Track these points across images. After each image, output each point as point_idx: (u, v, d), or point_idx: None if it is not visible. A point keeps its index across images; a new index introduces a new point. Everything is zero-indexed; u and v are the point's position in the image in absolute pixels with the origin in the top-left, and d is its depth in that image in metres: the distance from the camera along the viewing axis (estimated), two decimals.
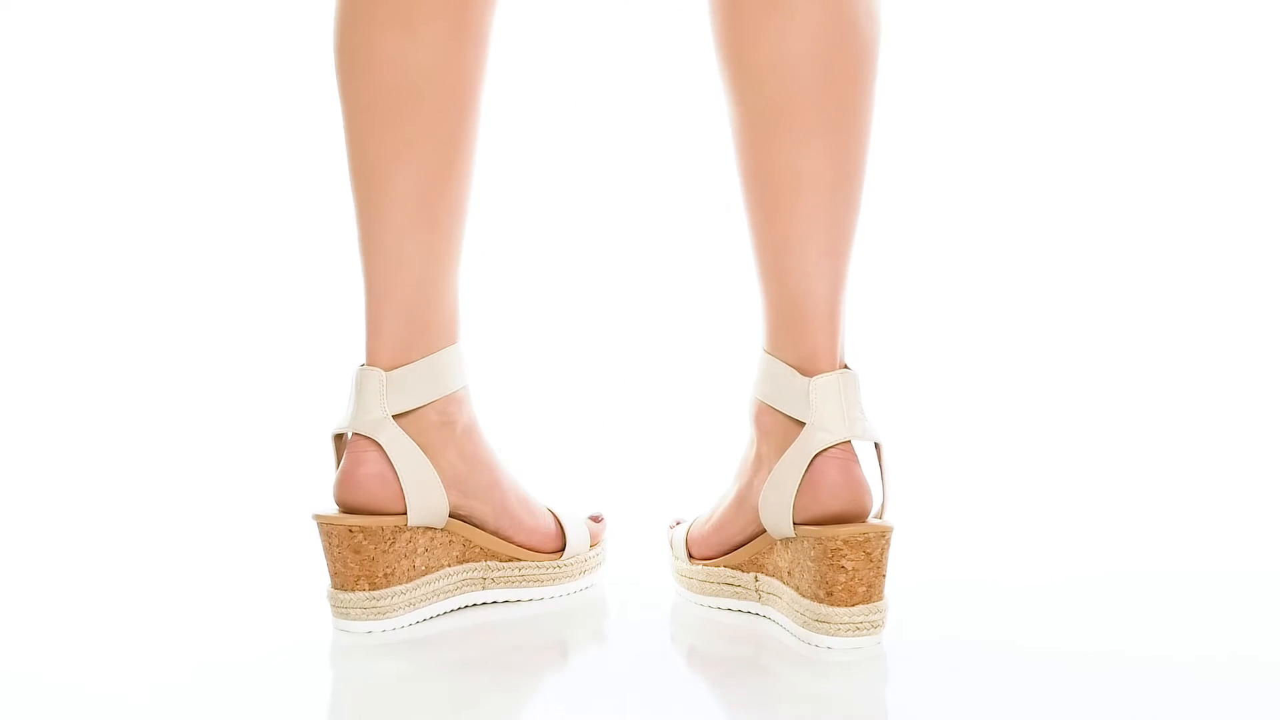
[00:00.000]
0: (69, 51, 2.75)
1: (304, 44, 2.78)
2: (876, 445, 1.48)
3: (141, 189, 2.76)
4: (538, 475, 1.74)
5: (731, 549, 1.55)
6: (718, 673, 1.41)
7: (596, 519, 1.67)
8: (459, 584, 1.56)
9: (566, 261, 2.65)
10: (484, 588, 1.57)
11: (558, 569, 1.61)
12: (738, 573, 1.53)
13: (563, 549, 1.62)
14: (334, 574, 1.50)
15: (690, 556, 1.59)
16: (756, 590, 1.52)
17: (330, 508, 1.52)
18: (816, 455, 1.45)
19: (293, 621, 1.55)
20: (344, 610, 1.50)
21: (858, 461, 1.46)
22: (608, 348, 2.56)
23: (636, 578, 1.66)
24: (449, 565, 1.55)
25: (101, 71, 2.76)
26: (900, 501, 1.57)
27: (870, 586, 1.43)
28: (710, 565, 1.56)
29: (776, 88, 1.44)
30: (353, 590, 1.50)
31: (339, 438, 1.54)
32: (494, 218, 2.66)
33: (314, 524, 1.54)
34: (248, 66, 2.77)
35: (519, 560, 1.57)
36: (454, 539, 1.55)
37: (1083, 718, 1.27)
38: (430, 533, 1.53)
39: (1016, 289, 2.71)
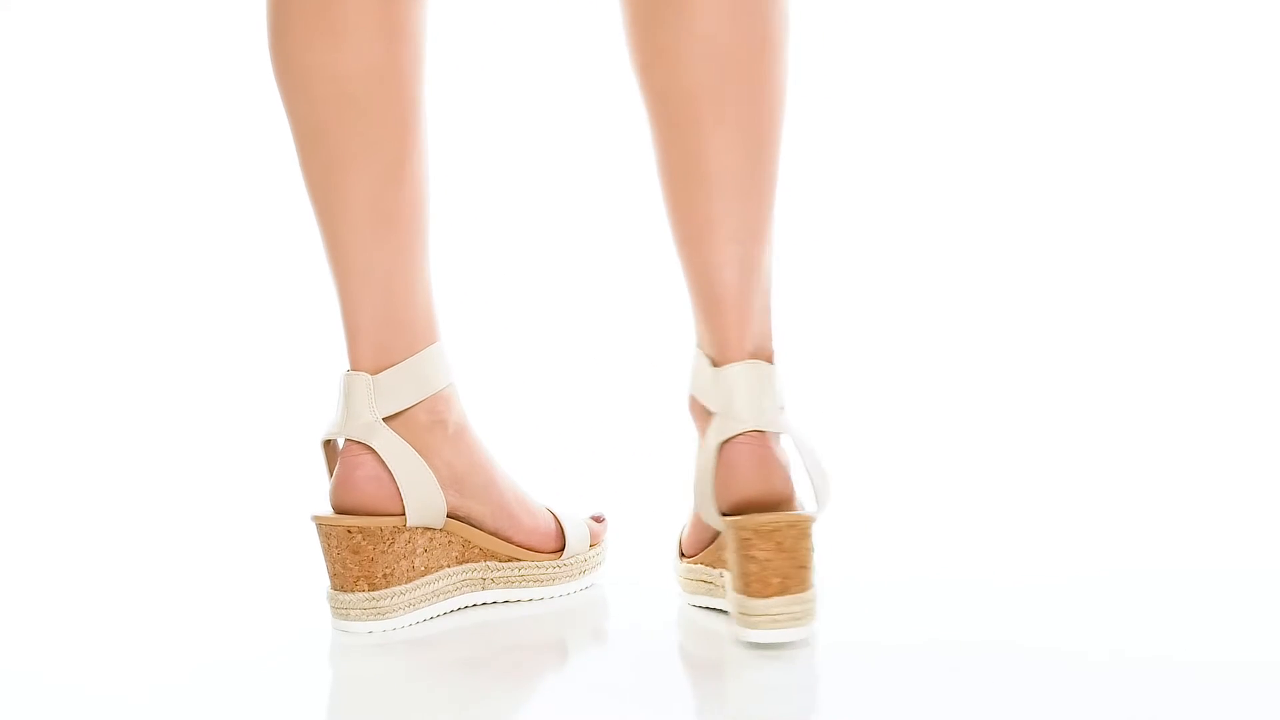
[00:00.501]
0: (69, 51, 2.75)
1: None
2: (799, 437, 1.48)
3: (141, 189, 2.76)
4: (540, 475, 1.74)
5: (706, 545, 1.55)
6: (716, 673, 1.41)
7: (598, 519, 1.67)
8: (459, 584, 1.56)
9: (568, 260, 2.65)
10: (483, 588, 1.57)
11: (557, 569, 1.60)
12: (710, 569, 1.53)
13: (562, 549, 1.61)
14: (333, 575, 1.50)
15: (682, 555, 1.59)
16: (721, 585, 1.52)
17: (328, 508, 1.52)
18: (724, 443, 1.45)
19: (293, 621, 1.55)
20: (344, 611, 1.50)
21: (771, 449, 1.46)
22: (610, 347, 2.56)
23: (637, 578, 1.66)
24: (448, 566, 1.55)
25: (102, 72, 2.76)
26: (838, 495, 1.54)
27: (786, 578, 1.40)
28: (692, 563, 1.56)
29: (679, 75, 1.44)
30: (352, 591, 1.50)
31: (328, 444, 1.54)
32: (496, 218, 2.66)
33: (312, 526, 1.54)
34: (248, 66, 2.77)
35: (518, 560, 1.57)
36: (453, 539, 1.55)
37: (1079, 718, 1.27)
38: (429, 533, 1.53)
39: (1015, 287, 2.71)
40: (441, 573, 1.54)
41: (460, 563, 1.56)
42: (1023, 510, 1.95)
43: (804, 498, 1.48)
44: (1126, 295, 2.69)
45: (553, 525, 1.62)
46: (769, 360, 1.48)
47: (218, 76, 2.75)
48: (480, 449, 1.58)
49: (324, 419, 1.56)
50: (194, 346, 2.63)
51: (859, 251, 2.77)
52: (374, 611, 1.50)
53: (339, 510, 1.51)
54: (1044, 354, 2.59)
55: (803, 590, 1.41)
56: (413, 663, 1.44)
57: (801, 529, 1.41)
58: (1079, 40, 2.79)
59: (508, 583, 1.58)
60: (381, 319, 1.52)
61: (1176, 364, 2.55)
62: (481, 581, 1.57)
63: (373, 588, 1.50)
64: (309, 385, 2.47)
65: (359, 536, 1.50)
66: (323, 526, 1.50)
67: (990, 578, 1.67)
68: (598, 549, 1.65)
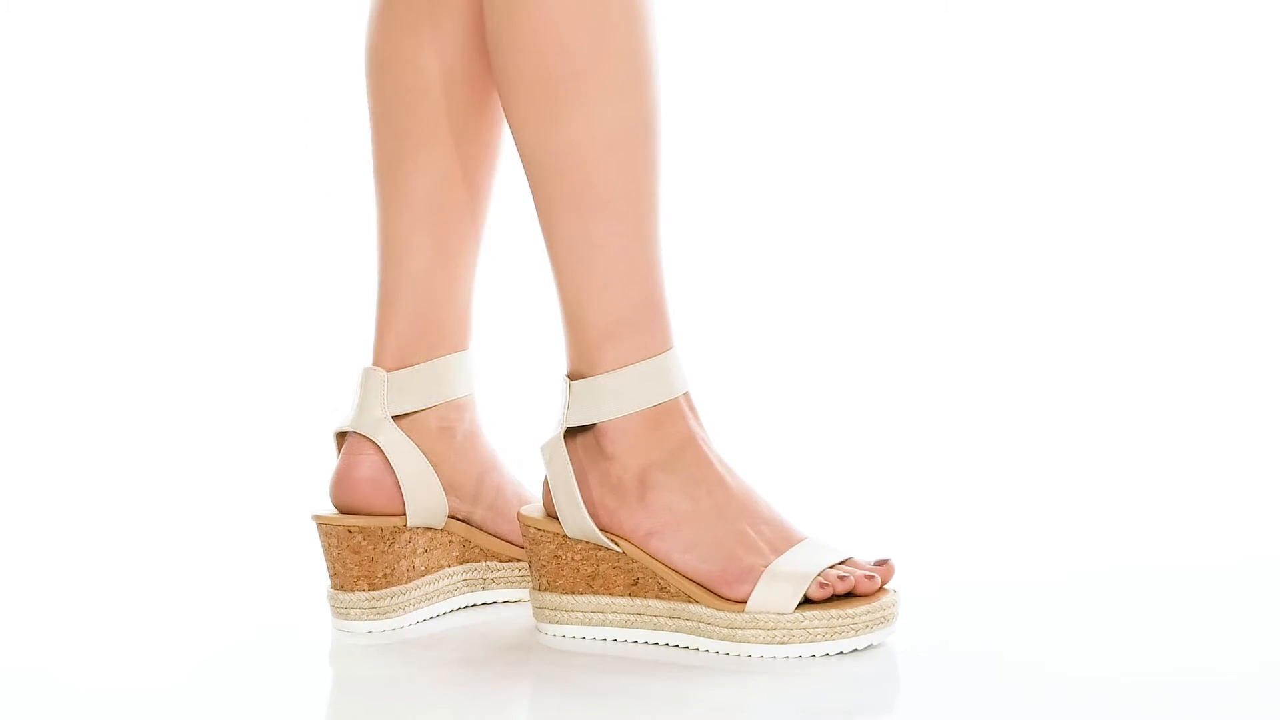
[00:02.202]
0: (69, 51, 2.75)
1: (304, 44, 2.78)
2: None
3: (141, 189, 2.76)
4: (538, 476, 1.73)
5: None
6: (713, 674, 1.40)
7: None
8: (459, 584, 1.55)
9: None
10: (484, 588, 1.57)
11: None
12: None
13: None
14: (333, 575, 1.51)
15: None
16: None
17: (328, 508, 1.52)
18: None
19: (293, 621, 1.55)
20: (344, 611, 1.50)
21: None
22: None
23: None
24: (449, 565, 1.54)
25: (102, 72, 2.76)
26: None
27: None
28: None
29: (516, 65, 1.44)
30: (352, 591, 1.50)
31: (340, 436, 1.54)
32: (499, 219, 2.66)
33: (313, 525, 1.54)
34: (248, 67, 2.77)
35: (519, 561, 1.57)
36: (454, 539, 1.55)
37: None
38: (430, 533, 1.53)
39: (1015, 288, 2.71)
40: (442, 573, 1.54)
41: (461, 563, 1.55)
42: (1022, 510, 1.95)
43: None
44: (1126, 295, 2.69)
45: None
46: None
47: (218, 76, 2.75)
48: (488, 456, 1.57)
49: (337, 414, 1.56)
50: (193, 346, 2.63)
51: (859, 252, 2.77)
52: (374, 611, 1.50)
53: (337, 507, 1.51)
54: (1044, 354, 2.59)
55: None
56: (413, 663, 1.44)
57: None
58: (1078, 40, 2.78)
59: (509, 583, 1.57)
60: (413, 316, 1.52)
61: (1177, 364, 2.55)
62: (482, 581, 1.57)
63: (373, 587, 1.50)
64: (309, 385, 2.47)
65: (359, 536, 1.50)
66: (323, 526, 1.51)
67: (982, 581, 1.67)
68: None
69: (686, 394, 1.46)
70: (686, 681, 1.38)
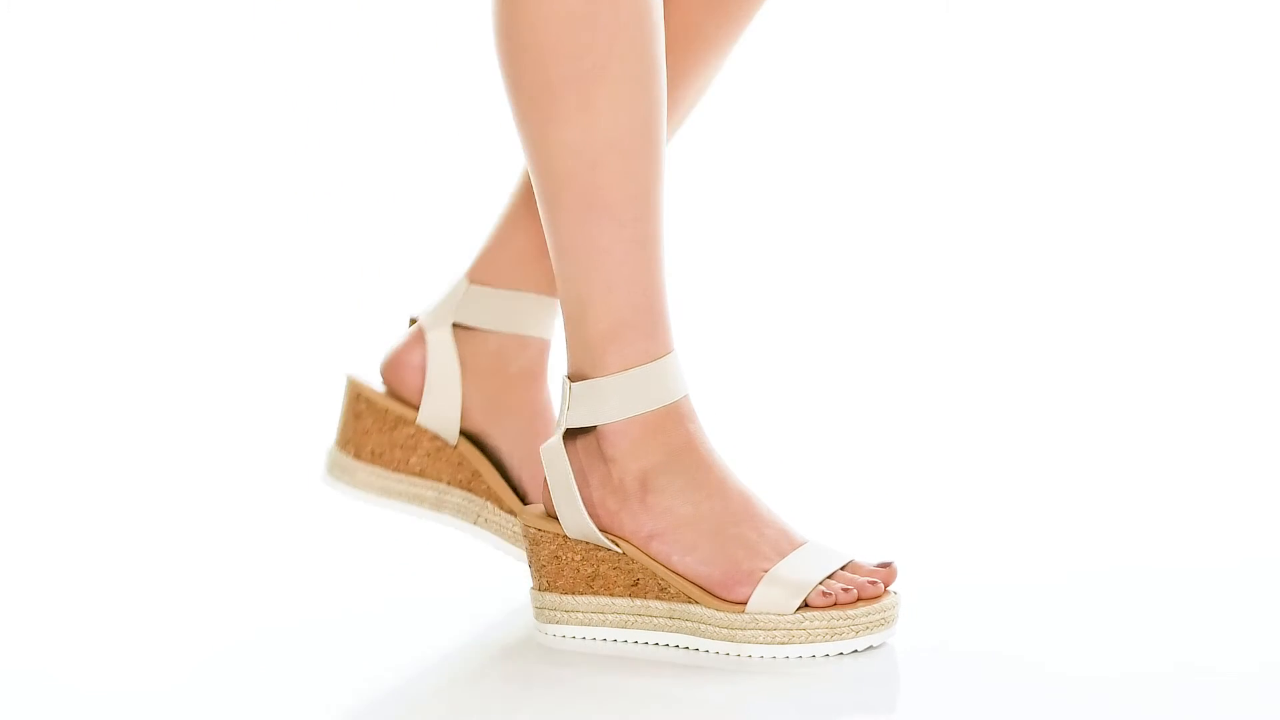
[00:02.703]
0: (69, 51, 2.75)
1: (304, 44, 2.78)
2: None
3: (140, 189, 2.76)
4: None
5: None
6: (713, 674, 1.40)
7: None
8: (456, 506, 1.57)
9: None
10: (475, 523, 1.57)
11: None
12: None
13: None
14: (337, 431, 1.56)
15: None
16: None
17: (367, 373, 1.58)
18: None
19: (292, 622, 1.55)
20: (326, 462, 1.56)
21: None
22: None
23: None
24: (448, 482, 1.56)
25: (102, 72, 2.76)
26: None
27: None
28: None
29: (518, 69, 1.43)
30: (340, 450, 1.56)
31: (413, 321, 1.59)
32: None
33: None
34: (248, 67, 2.77)
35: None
36: (464, 462, 1.56)
37: None
38: (439, 442, 1.55)
39: (1013, 287, 2.71)
40: (439, 485, 1.56)
41: (463, 488, 1.57)
42: (1022, 510, 1.95)
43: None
44: (1126, 295, 2.69)
45: None
46: None
47: (217, 77, 2.75)
48: (542, 400, 1.58)
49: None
50: (196, 345, 2.63)
51: (859, 254, 2.77)
52: (346, 475, 1.55)
53: (381, 375, 1.57)
54: (1044, 355, 2.59)
55: None
56: (412, 663, 1.44)
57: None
58: (1078, 40, 2.78)
59: (500, 533, 1.58)
60: (519, 246, 1.55)
61: (1177, 364, 2.55)
62: (476, 516, 1.57)
63: (356, 456, 1.55)
64: (308, 386, 2.47)
65: (363, 406, 1.55)
66: (348, 382, 1.57)
67: (990, 579, 1.66)
68: None
69: (686, 397, 1.46)
70: (686, 681, 1.38)
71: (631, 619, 1.45)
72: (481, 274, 1.56)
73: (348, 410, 1.56)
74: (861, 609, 1.40)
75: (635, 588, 1.44)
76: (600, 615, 1.45)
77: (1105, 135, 2.79)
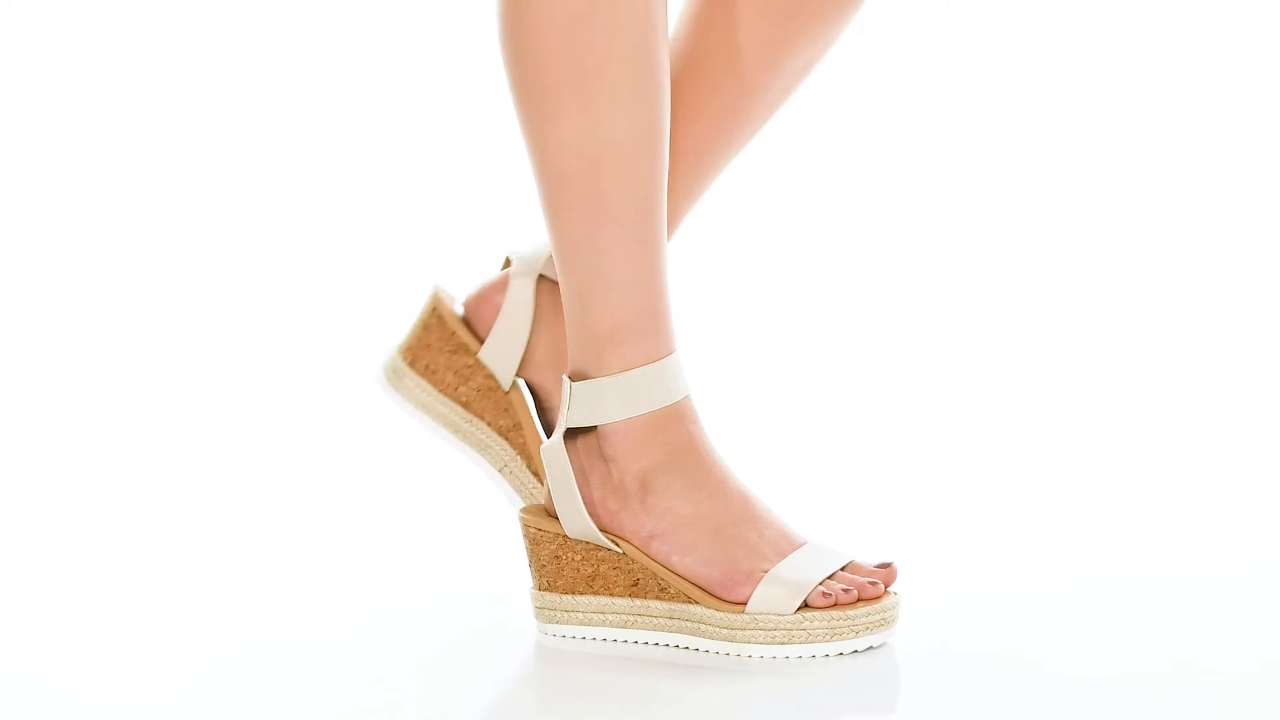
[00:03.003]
0: (69, 51, 2.75)
1: (304, 44, 2.78)
2: None
3: (139, 189, 2.76)
4: None
5: None
6: (713, 674, 1.40)
7: None
8: (485, 447, 1.59)
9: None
10: (500, 470, 1.58)
11: None
12: None
13: None
14: (405, 335, 1.61)
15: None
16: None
17: (452, 294, 1.62)
18: None
19: (292, 622, 1.55)
20: (383, 361, 1.60)
21: None
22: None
23: None
24: (489, 423, 1.58)
25: (102, 72, 2.76)
26: None
27: None
28: None
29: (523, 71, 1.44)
30: (399, 354, 1.59)
31: (508, 262, 1.61)
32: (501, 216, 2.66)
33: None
34: (248, 67, 2.77)
35: (540, 482, 1.58)
36: (509, 410, 1.57)
37: None
38: (493, 383, 1.58)
39: (1013, 287, 2.71)
40: (477, 421, 1.58)
41: (502, 434, 1.58)
42: (1022, 510, 1.95)
43: None
44: (1126, 295, 2.69)
45: None
46: None
47: (217, 77, 2.75)
48: None
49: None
50: (196, 345, 2.63)
51: (859, 254, 2.77)
52: (394, 378, 1.59)
53: (463, 304, 1.61)
54: (1044, 355, 2.59)
55: None
56: (412, 662, 1.44)
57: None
58: (1077, 39, 2.78)
59: (518, 488, 1.59)
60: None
61: (1177, 364, 2.55)
62: (502, 464, 1.59)
63: (409, 364, 1.58)
64: (306, 386, 2.47)
65: (434, 320, 1.59)
66: (431, 292, 1.60)
67: (990, 579, 1.67)
68: None
69: (688, 398, 1.46)
70: (686, 681, 1.38)
71: (631, 619, 1.45)
72: None
73: (420, 320, 1.60)
74: (861, 609, 1.40)
75: (635, 588, 1.45)
76: (600, 615, 1.45)
77: (1104, 135, 2.79)
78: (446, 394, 1.58)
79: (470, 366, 1.58)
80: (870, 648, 1.40)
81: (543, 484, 1.56)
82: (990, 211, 2.78)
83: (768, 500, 1.45)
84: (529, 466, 1.58)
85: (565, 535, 1.46)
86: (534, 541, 1.47)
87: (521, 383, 1.60)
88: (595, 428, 1.45)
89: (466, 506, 1.88)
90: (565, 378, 1.46)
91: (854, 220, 2.79)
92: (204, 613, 1.59)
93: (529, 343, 1.58)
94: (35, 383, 2.57)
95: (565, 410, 1.45)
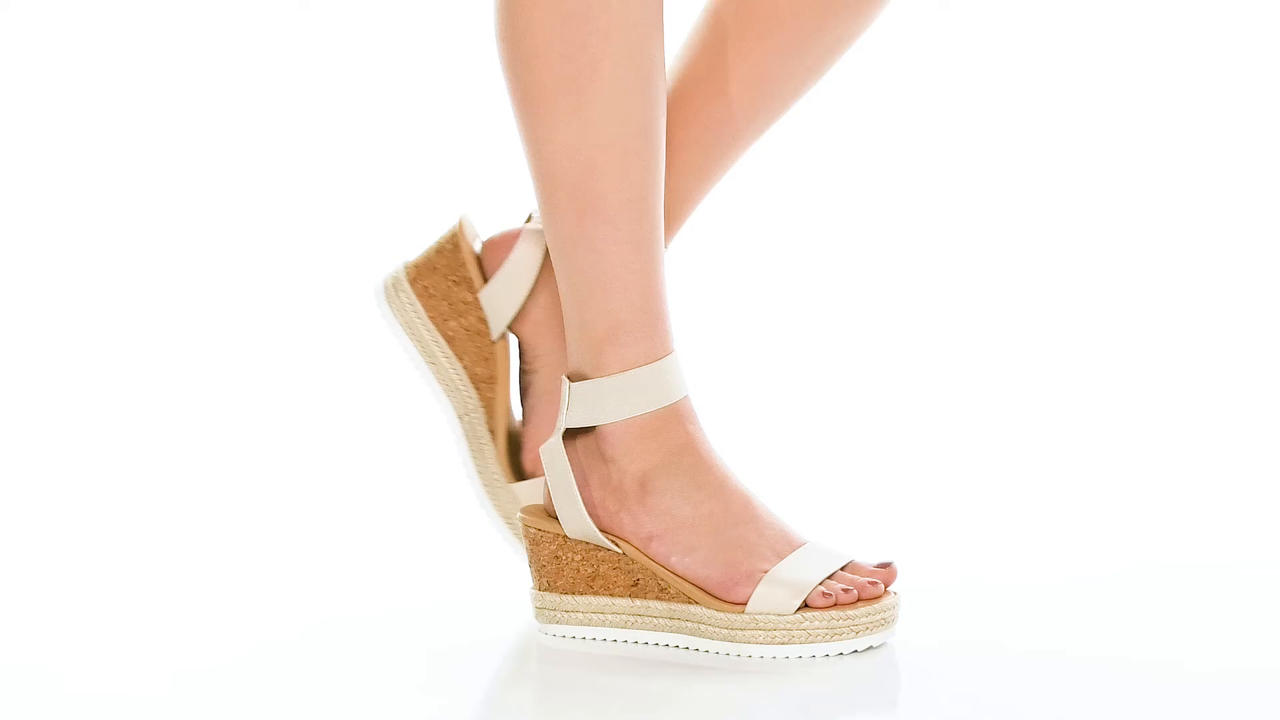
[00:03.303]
0: (69, 51, 2.75)
1: (304, 43, 2.78)
2: None
3: (139, 188, 2.76)
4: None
5: None
6: (713, 674, 1.40)
7: None
8: (453, 387, 1.58)
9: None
10: (459, 416, 1.57)
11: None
12: None
13: None
14: (418, 253, 1.60)
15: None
16: None
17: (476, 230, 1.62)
18: None
19: (292, 622, 1.55)
20: (387, 271, 1.59)
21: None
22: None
23: None
24: (465, 366, 1.58)
25: (101, 72, 2.76)
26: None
27: None
28: None
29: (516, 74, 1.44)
30: (404, 268, 1.59)
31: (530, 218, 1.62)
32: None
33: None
34: (248, 67, 2.77)
35: (492, 439, 1.58)
36: (490, 359, 1.58)
37: None
38: (483, 328, 1.58)
39: (1013, 286, 2.71)
40: (455, 361, 1.57)
41: (473, 382, 1.58)
42: (1022, 509, 1.95)
43: None
44: (1125, 295, 2.69)
45: None
46: None
47: (215, 76, 2.75)
48: None
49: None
50: (197, 344, 2.63)
51: (857, 253, 2.77)
52: (391, 288, 1.59)
53: (484, 242, 1.61)
54: (1044, 354, 2.59)
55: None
56: (412, 662, 1.44)
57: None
58: (1075, 39, 2.78)
59: (471, 439, 1.59)
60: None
61: (1177, 364, 2.55)
62: (463, 410, 1.58)
63: (411, 281, 1.58)
64: (310, 385, 2.48)
65: (450, 246, 1.59)
66: (457, 220, 1.60)
67: (991, 577, 1.67)
68: None
69: (686, 398, 1.46)
70: (686, 681, 1.38)
71: (631, 619, 1.45)
72: None
73: (437, 243, 1.60)
74: (861, 609, 1.40)
75: (635, 588, 1.45)
76: (600, 615, 1.45)
77: (1103, 134, 2.79)
78: (435, 322, 1.58)
79: (467, 303, 1.58)
80: (870, 648, 1.41)
81: (495, 441, 1.56)
82: (989, 211, 2.78)
83: (767, 500, 1.45)
84: (487, 422, 1.58)
85: (565, 535, 1.46)
86: (534, 542, 1.47)
87: (512, 338, 1.60)
88: (594, 428, 1.45)
89: (466, 507, 1.88)
90: (564, 378, 1.46)
91: (853, 220, 2.79)
92: (204, 615, 1.59)
93: (529, 297, 1.58)
94: (36, 384, 2.57)
95: (564, 411, 1.45)
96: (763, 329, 2.67)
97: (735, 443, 1.59)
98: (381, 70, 2.82)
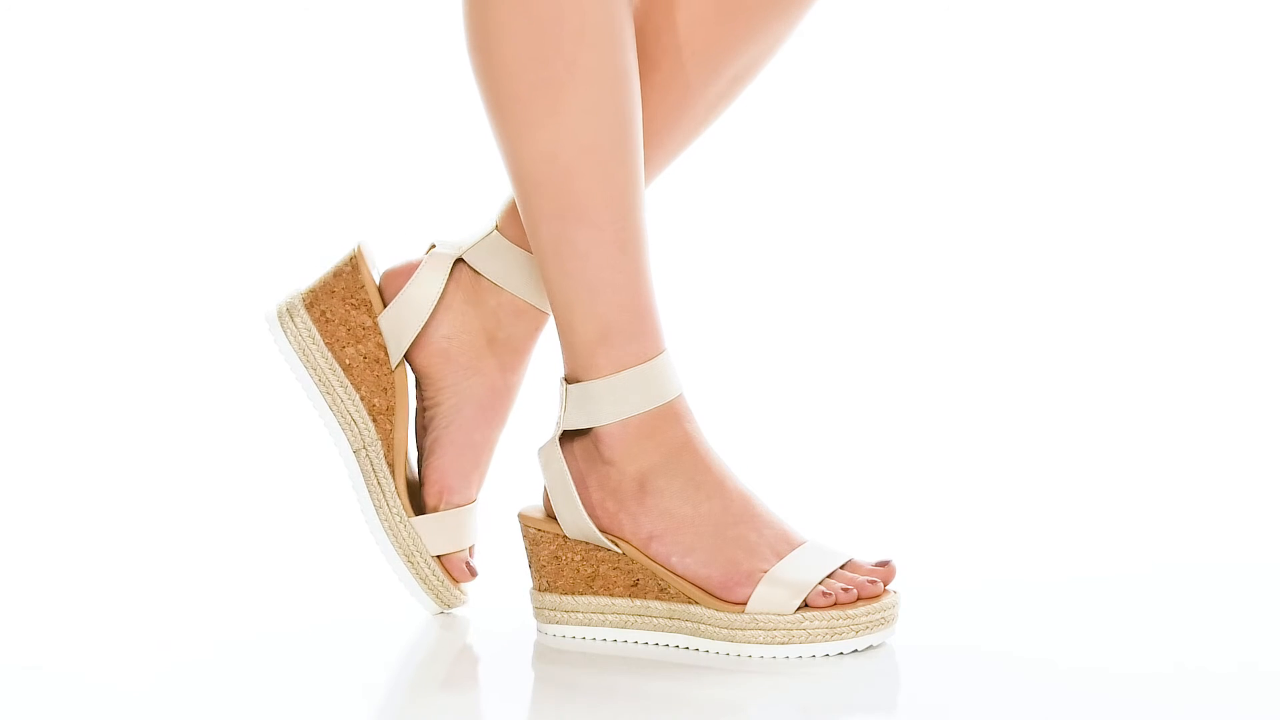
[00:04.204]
0: (69, 51, 2.76)
1: (303, 43, 2.78)
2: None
3: (138, 188, 2.76)
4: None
5: None
6: (713, 674, 1.40)
7: None
8: (348, 420, 1.54)
9: None
10: (354, 450, 1.53)
11: None
12: None
13: None
14: (313, 280, 1.56)
15: None
16: None
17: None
18: None
19: (291, 622, 1.55)
20: (281, 298, 1.55)
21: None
22: None
23: None
24: (361, 397, 1.54)
25: (101, 72, 2.76)
26: None
27: None
28: None
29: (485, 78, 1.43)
30: (300, 295, 1.55)
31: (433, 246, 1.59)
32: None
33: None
34: (247, 67, 2.77)
35: (391, 475, 1.56)
36: (388, 390, 1.53)
37: None
38: (381, 355, 1.53)
39: (1013, 286, 2.71)
40: (352, 392, 1.54)
41: (370, 414, 1.54)
42: (1022, 510, 1.95)
43: None
44: (1125, 295, 2.69)
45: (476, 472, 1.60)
46: None
47: (215, 76, 2.75)
48: (504, 386, 1.56)
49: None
50: (197, 344, 2.63)
51: (855, 252, 2.77)
52: (286, 318, 1.54)
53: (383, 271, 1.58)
54: (1044, 354, 2.59)
55: None
56: (411, 663, 1.44)
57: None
58: (1075, 39, 2.78)
59: (366, 475, 1.55)
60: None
61: (1177, 364, 2.55)
62: (359, 444, 1.54)
63: (307, 308, 1.53)
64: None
65: (348, 270, 1.54)
66: (354, 246, 1.55)
67: (990, 578, 1.67)
68: None
69: (681, 396, 1.46)
70: (686, 681, 1.38)
71: (631, 619, 1.45)
72: (510, 229, 1.53)
73: (333, 268, 1.55)
74: (861, 608, 1.40)
75: (635, 588, 1.45)
76: (600, 615, 1.45)
77: (1102, 134, 2.79)
78: (332, 349, 1.53)
79: (366, 329, 1.53)
80: (870, 647, 1.41)
81: (394, 477, 1.54)
82: (988, 210, 2.78)
83: (766, 500, 1.45)
84: (386, 456, 1.55)
85: (565, 536, 1.46)
86: (533, 542, 1.47)
87: (409, 369, 1.55)
88: (591, 430, 1.45)
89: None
90: (561, 380, 1.46)
91: (851, 219, 2.79)
92: (203, 615, 1.59)
93: (429, 323, 1.53)
94: (36, 384, 2.57)
95: (561, 412, 1.45)
96: (762, 329, 2.67)
97: (734, 442, 1.59)
98: (362, 68, 2.82)
